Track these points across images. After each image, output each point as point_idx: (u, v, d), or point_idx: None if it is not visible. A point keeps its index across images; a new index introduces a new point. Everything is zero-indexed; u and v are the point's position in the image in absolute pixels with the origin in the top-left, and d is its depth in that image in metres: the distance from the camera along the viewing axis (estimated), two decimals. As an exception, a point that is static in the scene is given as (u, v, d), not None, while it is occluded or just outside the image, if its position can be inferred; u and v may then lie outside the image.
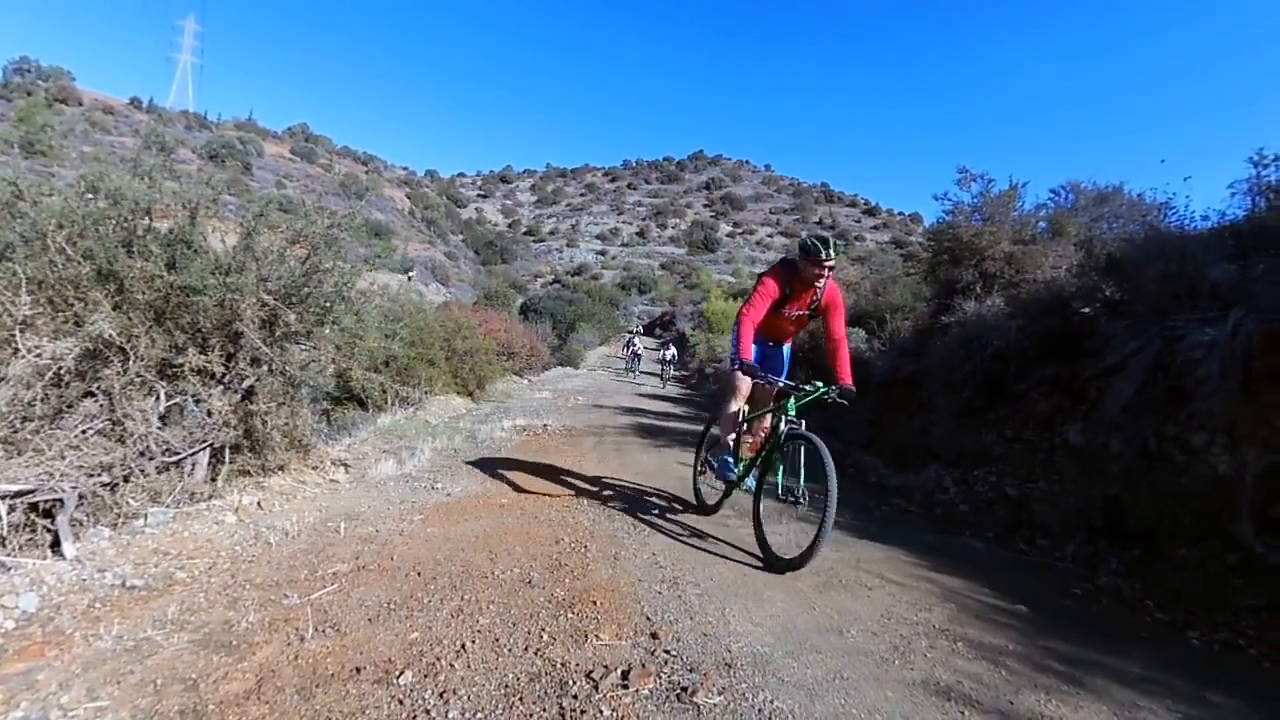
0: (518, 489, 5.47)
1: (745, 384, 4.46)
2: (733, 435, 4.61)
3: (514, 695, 2.36)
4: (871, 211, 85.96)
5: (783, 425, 4.11)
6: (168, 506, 3.93)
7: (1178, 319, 4.73)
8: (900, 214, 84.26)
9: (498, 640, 2.77)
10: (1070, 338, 5.98)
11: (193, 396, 4.30)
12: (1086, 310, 6.11)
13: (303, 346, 4.85)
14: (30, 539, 3.24)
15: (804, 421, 4.07)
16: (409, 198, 65.22)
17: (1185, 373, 4.47)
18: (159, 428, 4.04)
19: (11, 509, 3.19)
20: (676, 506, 5.25)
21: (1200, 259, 5.07)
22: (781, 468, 4.10)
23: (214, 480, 4.41)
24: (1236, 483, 3.96)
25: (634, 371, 23.52)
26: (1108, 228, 7.93)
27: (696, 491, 5.23)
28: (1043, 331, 6.26)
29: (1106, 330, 5.41)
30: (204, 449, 4.33)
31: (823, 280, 4.30)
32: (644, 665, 2.63)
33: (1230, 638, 3.33)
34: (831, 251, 4.18)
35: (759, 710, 2.38)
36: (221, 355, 4.41)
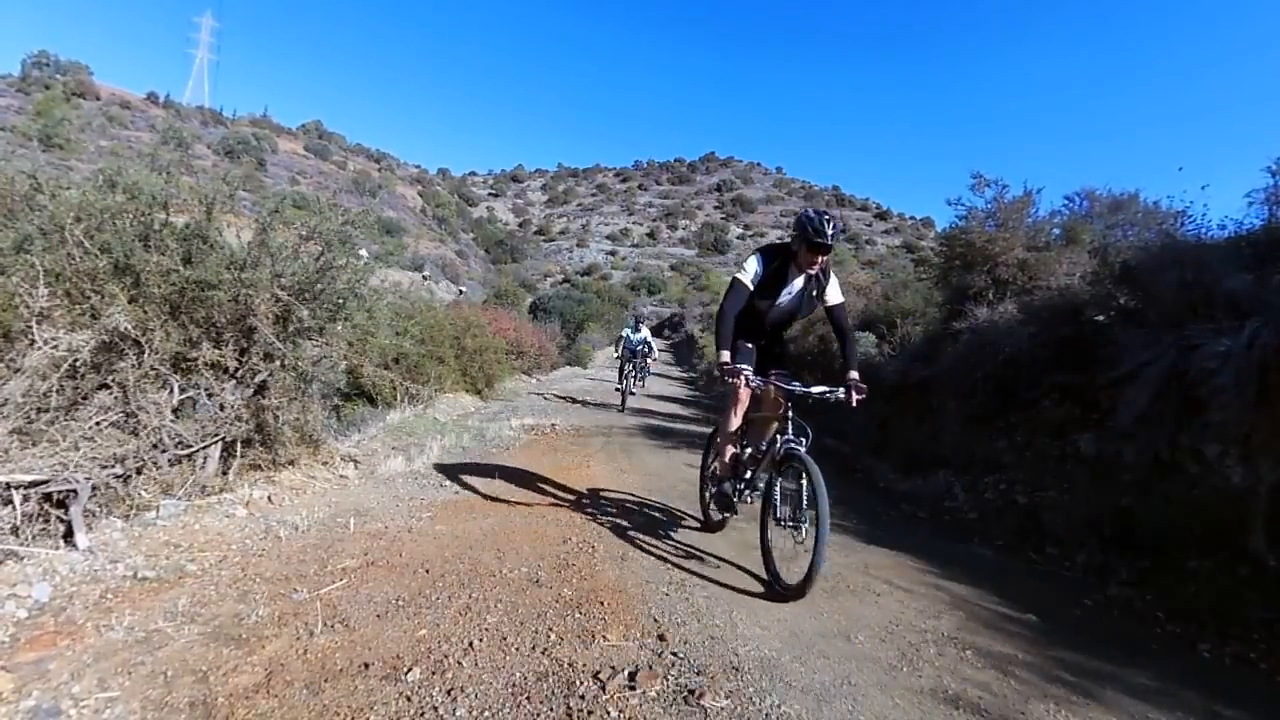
0: (525, 488, 5.48)
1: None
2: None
3: (521, 694, 2.36)
4: (883, 215, 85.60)
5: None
6: (179, 499, 3.96)
7: (1193, 329, 4.68)
8: (912, 218, 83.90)
9: (505, 639, 2.77)
10: (1083, 346, 5.93)
11: (205, 390, 4.33)
12: (1100, 318, 6.06)
13: (315, 342, 4.88)
14: (44, 529, 3.27)
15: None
16: (421, 196, 65.47)
17: (1200, 383, 4.42)
18: (172, 421, 4.07)
19: (26, 499, 3.22)
20: (680, 515, 5.09)
21: (1216, 268, 5.02)
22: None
23: (225, 474, 4.43)
24: (1250, 495, 3.91)
25: (639, 382, 13.46)
26: (1123, 235, 7.87)
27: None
28: (1055, 339, 6.22)
29: (1120, 339, 5.36)
30: (216, 442, 4.36)
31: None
32: (651, 667, 2.63)
33: (1241, 651, 3.30)
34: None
35: (766, 714, 2.38)
36: (235, 350, 4.44)
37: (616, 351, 13.24)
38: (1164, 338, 4.89)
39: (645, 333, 13.21)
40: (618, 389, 12.75)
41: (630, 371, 12.61)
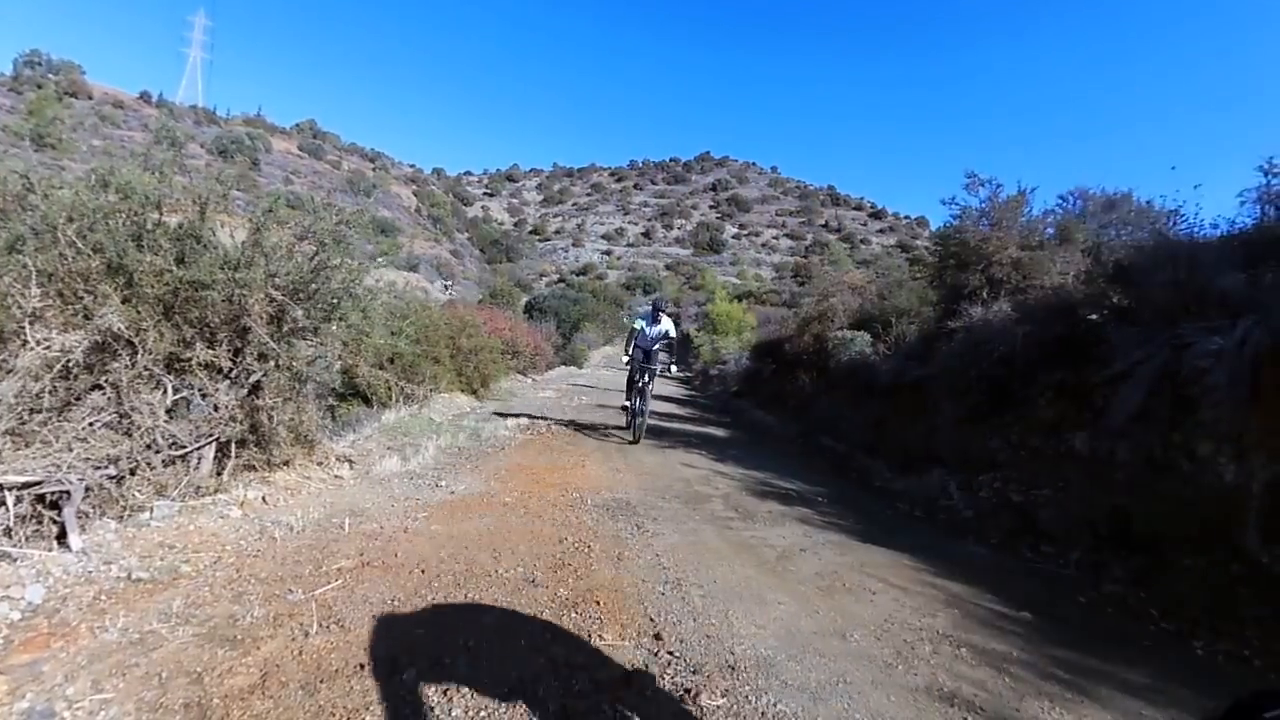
0: (521, 488, 5.47)
1: None
2: None
3: (517, 694, 2.36)
4: (877, 215, 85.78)
5: None
6: (173, 500, 3.94)
7: (1186, 327, 4.71)
8: (906, 218, 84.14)
9: (501, 639, 2.77)
10: (1077, 344, 5.96)
11: (200, 391, 4.31)
12: (1094, 317, 6.09)
13: (309, 342, 4.86)
14: (37, 530, 3.25)
15: None
16: (415, 195, 65.40)
17: (1193, 382, 4.45)
18: (166, 421, 4.05)
19: (19, 500, 3.20)
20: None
21: (1209, 267, 5.05)
22: None
23: (219, 474, 4.41)
24: (1243, 492, 3.94)
25: (647, 389, 8.64)
26: (1116, 234, 7.91)
27: None
28: (1049, 337, 6.24)
29: (1114, 338, 5.39)
30: (210, 443, 4.33)
31: None
32: (647, 666, 2.63)
33: (1235, 648, 3.32)
34: None
35: (762, 713, 2.38)
36: (229, 350, 4.42)
37: (626, 352, 9.10)
38: (1157, 336, 4.91)
39: (667, 325, 9.11)
40: (625, 407, 9.30)
41: (645, 383, 8.53)
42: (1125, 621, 3.67)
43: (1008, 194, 8.56)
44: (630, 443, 8.40)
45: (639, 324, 9.16)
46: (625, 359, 9.10)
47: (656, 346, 8.94)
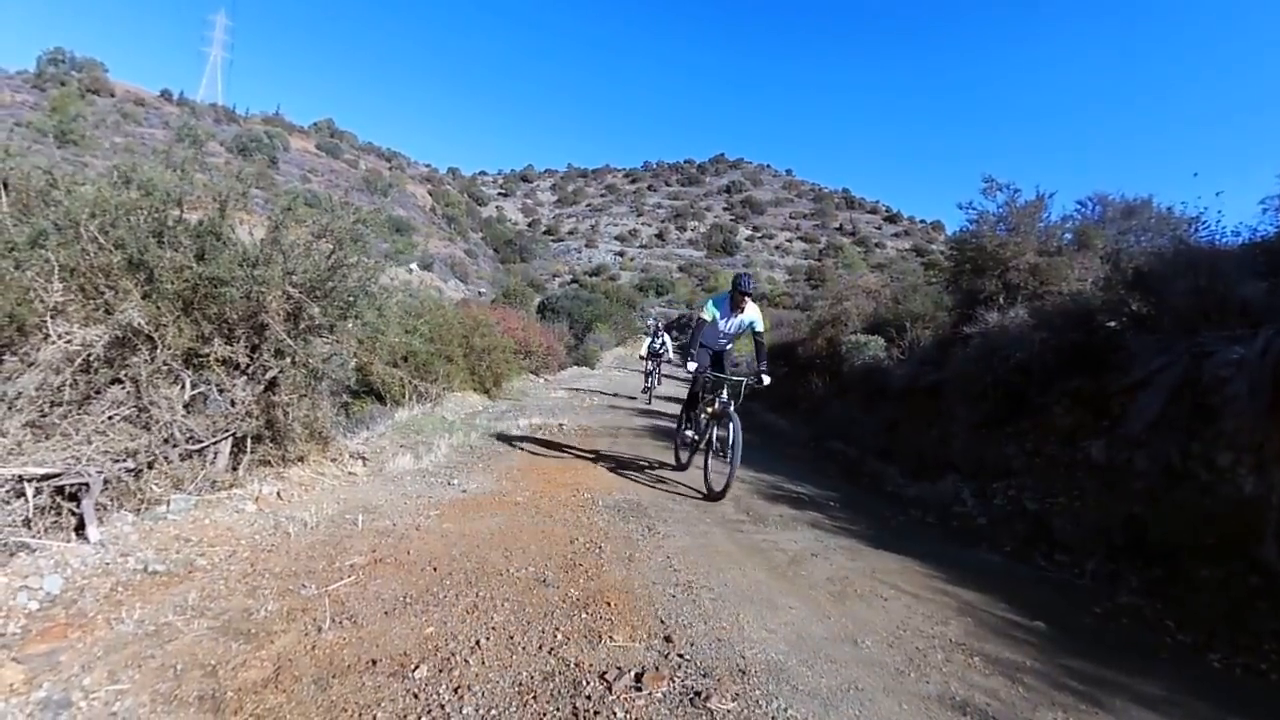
0: (533, 488, 5.48)
1: None
2: None
3: (528, 693, 2.37)
4: (892, 218, 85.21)
5: None
6: (190, 494, 3.98)
7: (1206, 336, 4.65)
8: (921, 222, 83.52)
9: (512, 638, 2.78)
10: (1095, 352, 5.90)
11: (217, 386, 4.36)
12: (1112, 324, 6.02)
13: (325, 340, 4.90)
14: (55, 522, 3.30)
15: None
16: (431, 195, 65.68)
17: (1212, 391, 4.40)
18: (183, 416, 4.10)
19: (38, 492, 3.25)
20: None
21: (1230, 275, 4.99)
22: None
23: (235, 469, 4.46)
24: (1262, 504, 3.89)
25: (730, 411, 5.63)
26: (1135, 241, 7.83)
27: None
28: (1067, 344, 6.18)
29: (1133, 345, 5.32)
30: (226, 438, 4.38)
31: None
32: (657, 668, 2.63)
33: (1251, 661, 3.27)
34: None
35: (772, 718, 2.37)
36: (246, 346, 4.46)
37: (688, 354, 6.48)
38: (1177, 345, 4.86)
39: (753, 313, 6.26)
40: (686, 439, 6.74)
41: (725, 402, 5.92)
42: (1140, 632, 3.63)
43: (1025, 199, 8.49)
44: (704, 498, 5.75)
45: (709, 312, 6.30)
46: (676, 358, 5.72)
47: (731, 346, 6.49)
